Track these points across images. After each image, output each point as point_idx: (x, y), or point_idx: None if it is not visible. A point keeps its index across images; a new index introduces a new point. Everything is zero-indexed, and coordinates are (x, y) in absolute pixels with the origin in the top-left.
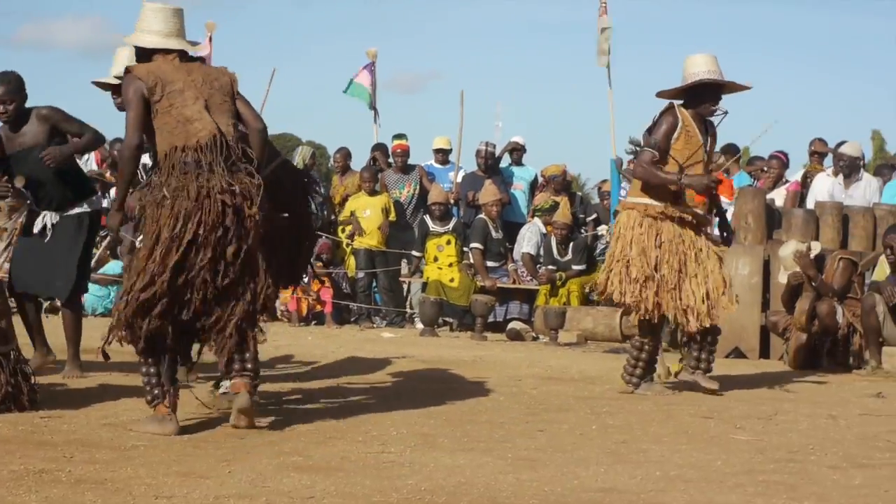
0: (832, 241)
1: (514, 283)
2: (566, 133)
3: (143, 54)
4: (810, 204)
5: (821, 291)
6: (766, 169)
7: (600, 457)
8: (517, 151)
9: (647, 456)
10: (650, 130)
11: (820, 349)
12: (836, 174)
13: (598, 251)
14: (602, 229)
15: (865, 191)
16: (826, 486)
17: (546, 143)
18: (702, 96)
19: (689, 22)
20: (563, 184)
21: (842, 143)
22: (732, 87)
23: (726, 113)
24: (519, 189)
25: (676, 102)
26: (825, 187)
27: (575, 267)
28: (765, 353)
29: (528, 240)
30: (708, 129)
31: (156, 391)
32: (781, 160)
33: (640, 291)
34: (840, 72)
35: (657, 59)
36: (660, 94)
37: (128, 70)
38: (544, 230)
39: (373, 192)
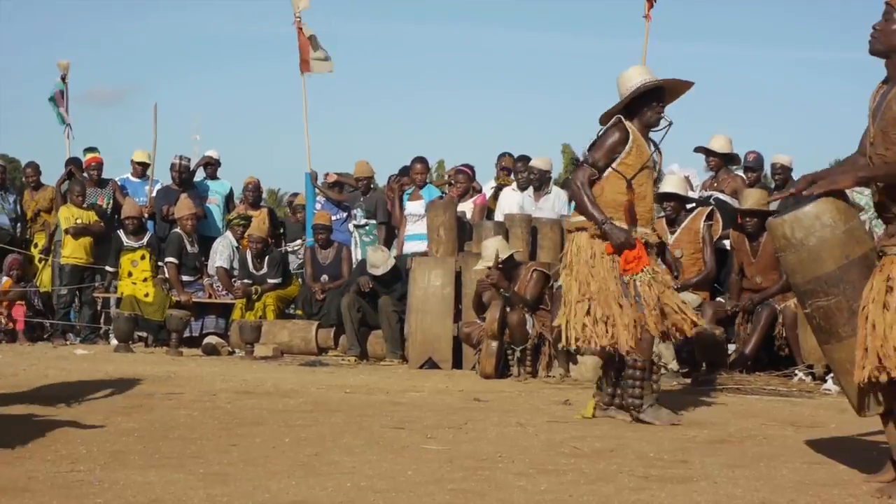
0: (521, 254)
1: (209, 297)
2: (264, 146)
3: None
4: (500, 217)
5: (513, 301)
6: (452, 182)
7: (292, 469)
8: (211, 165)
9: (339, 467)
10: (593, 146)
11: (511, 358)
12: (522, 188)
13: (294, 265)
14: (296, 244)
15: (554, 203)
16: (513, 492)
17: (244, 155)
18: (646, 106)
19: (390, 39)
20: (258, 196)
21: (526, 157)
22: (675, 92)
23: (671, 124)
24: (214, 203)
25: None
26: (514, 200)
27: (270, 280)
28: (457, 363)
29: (220, 253)
30: (651, 144)
31: None
32: (468, 174)
33: (609, 330)
34: (531, 87)
35: (352, 74)
36: (604, 115)
37: None
38: (236, 243)
39: (82, 206)
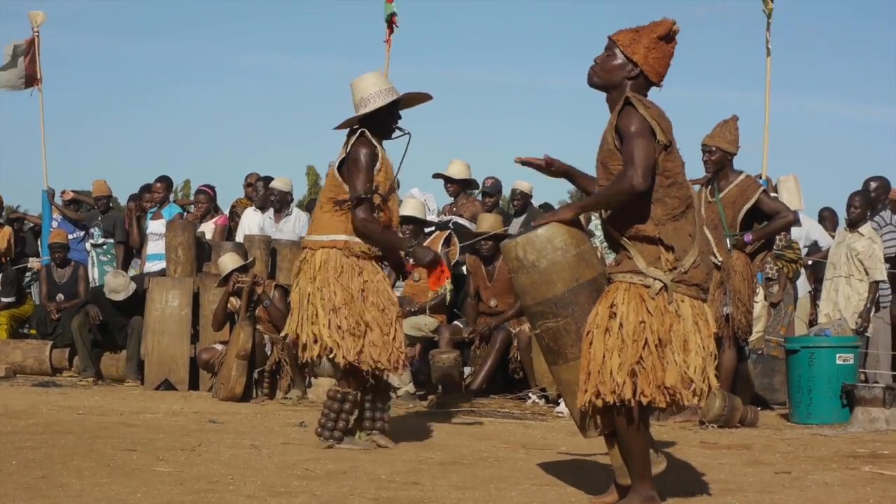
0: (261, 274)
1: None
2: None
3: None
4: (240, 237)
5: (272, 315)
6: (195, 204)
7: (18, 492)
8: None
9: (67, 490)
10: (342, 165)
11: (250, 379)
12: (263, 209)
13: (25, 282)
14: (34, 261)
15: (295, 225)
16: None
17: None
18: (384, 119)
19: (132, 55)
20: None
21: (268, 178)
22: (410, 102)
23: (409, 135)
24: None
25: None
26: (254, 221)
27: (4, 299)
28: (194, 384)
29: None
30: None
31: None
32: (209, 194)
33: (357, 342)
34: (277, 108)
35: (92, 91)
36: (340, 127)
37: None
38: None
39: None
